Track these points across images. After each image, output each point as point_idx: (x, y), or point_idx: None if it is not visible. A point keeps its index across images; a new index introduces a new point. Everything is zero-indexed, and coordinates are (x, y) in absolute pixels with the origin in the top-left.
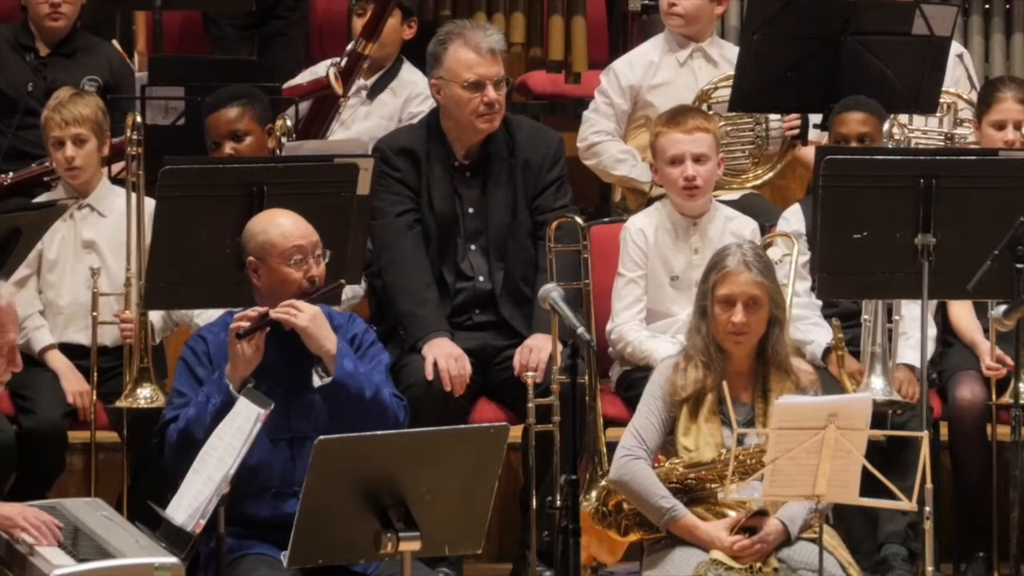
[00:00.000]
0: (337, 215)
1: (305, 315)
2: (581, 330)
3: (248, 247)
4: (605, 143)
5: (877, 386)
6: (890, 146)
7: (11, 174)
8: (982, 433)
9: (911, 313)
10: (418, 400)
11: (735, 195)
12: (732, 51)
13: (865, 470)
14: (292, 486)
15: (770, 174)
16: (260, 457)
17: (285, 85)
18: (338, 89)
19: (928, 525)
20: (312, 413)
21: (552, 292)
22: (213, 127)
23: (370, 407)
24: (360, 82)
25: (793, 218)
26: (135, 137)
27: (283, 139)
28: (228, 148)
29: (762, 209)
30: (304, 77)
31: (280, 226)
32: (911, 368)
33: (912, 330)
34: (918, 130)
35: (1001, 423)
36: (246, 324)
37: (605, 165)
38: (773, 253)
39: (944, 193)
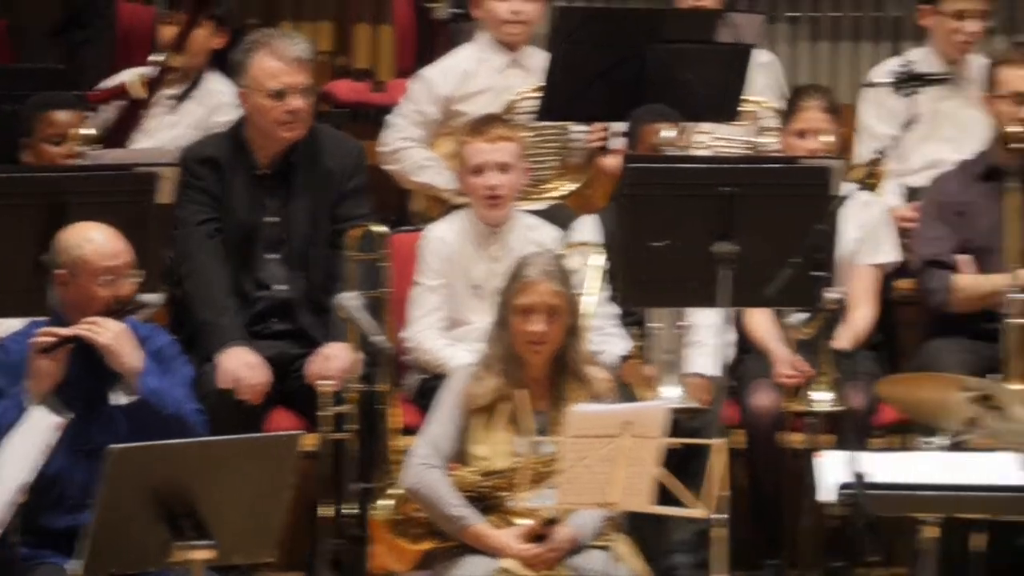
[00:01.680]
0: (137, 225)
1: (108, 333)
2: (377, 338)
3: (59, 259)
4: (409, 149)
5: (668, 394)
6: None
7: None
8: (777, 440)
9: (705, 320)
10: (213, 409)
11: (541, 205)
12: (547, 60)
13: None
14: (90, 498)
15: (576, 184)
16: (58, 468)
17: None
18: (139, 94)
19: (721, 532)
20: (113, 426)
21: (348, 300)
22: (46, 125)
23: (171, 423)
24: (167, 91)
25: (585, 228)
26: None
27: (84, 147)
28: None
29: (567, 219)
30: (109, 84)
31: (93, 242)
32: (704, 376)
33: (706, 338)
34: (723, 138)
35: (794, 431)
36: (49, 339)
37: (407, 171)
38: (572, 262)
39: (744, 201)
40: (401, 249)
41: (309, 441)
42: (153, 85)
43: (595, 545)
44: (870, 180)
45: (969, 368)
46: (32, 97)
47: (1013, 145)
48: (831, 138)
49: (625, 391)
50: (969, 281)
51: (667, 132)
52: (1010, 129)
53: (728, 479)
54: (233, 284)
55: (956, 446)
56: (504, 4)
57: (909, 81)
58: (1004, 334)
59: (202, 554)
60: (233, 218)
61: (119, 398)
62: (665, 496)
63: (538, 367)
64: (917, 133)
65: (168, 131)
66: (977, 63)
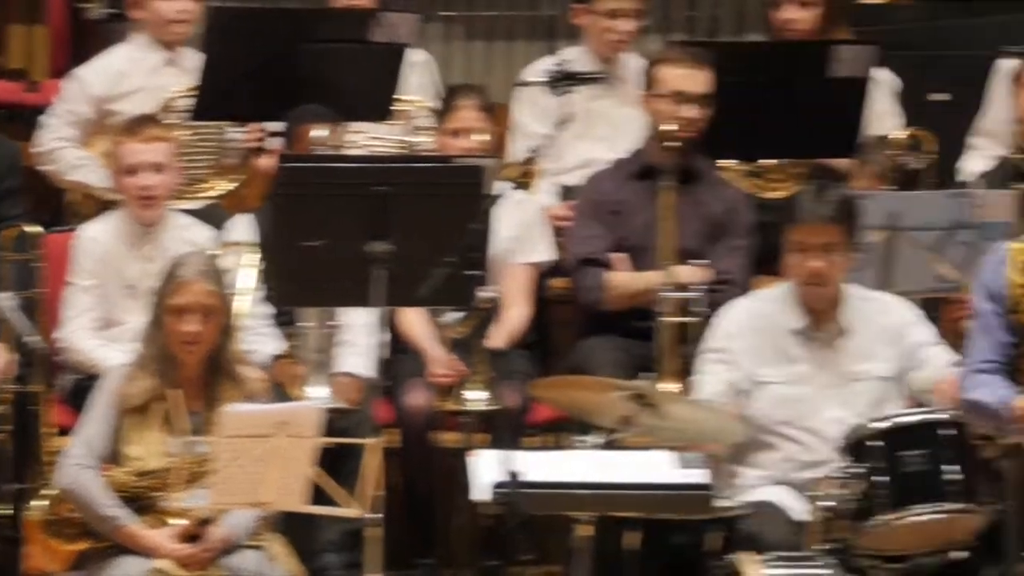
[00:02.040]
0: None
1: None
2: (31, 339)
3: None
4: (63, 149)
5: (315, 394)
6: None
7: None
8: (431, 440)
9: (356, 320)
10: None
11: (196, 205)
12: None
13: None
14: None
15: (232, 184)
16: None
17: None
18: None
19: (375, 532)
20: None
21: (2, 301)
22: None
23: None
24: None
25: (239, 227)
26: None
27: None
28: None
29: (222, 219)
30: None
31: None
32: (352, 375)
33: (357, 337)
34: (377, 138)
35: (448, 430)
36: None
37: (62, 171)
38: (226, 262)
39: (399, 200)
40: (55, 249)
41: None
42: None
43: (249, 545)
44: (524, 179)
45: (622, 366)
46: None
47: (668, 144)
48: (485, 137)
49: (279, 391)
50: (622, 278)
51: (318, 132)
52: (665, 128)
53: (382, 478)
54: None
55: (610, 445)
56: (171, 4)
57: (563, 80)
58: (657, 332)
59: None
60: None
61: None
62: (319, 496)
63: (192, 367)
64: (571, 132)
65: None
66: (631, 62)
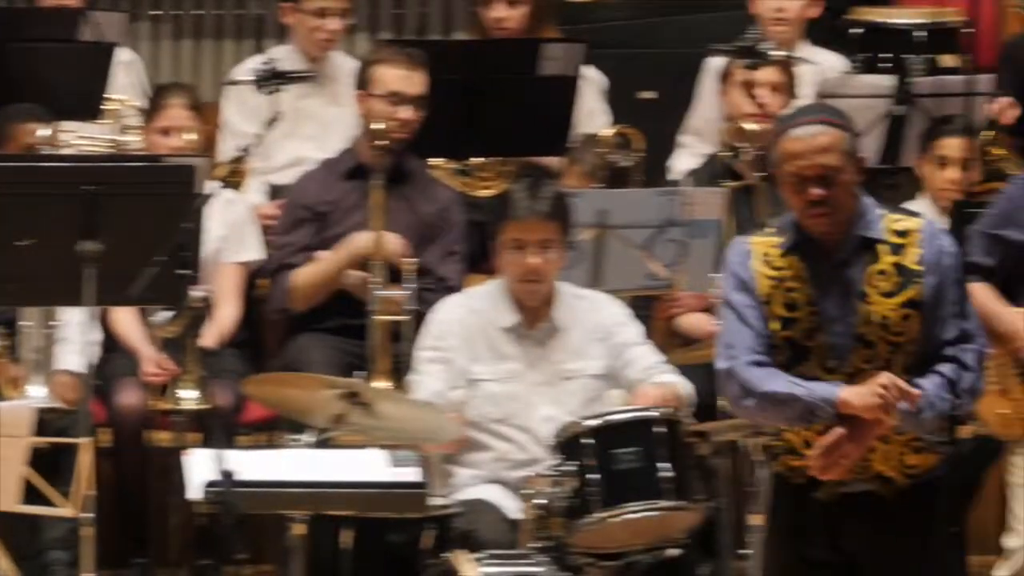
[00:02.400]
0: None
1: None
2: None
3: None
4: None
5: (36, 393)
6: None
7: None
8: (144, 439)
9: (74, 317)
10: None
11: None
12: None
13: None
14: None
15: None
16: None
17: None
18: None
19: (88, 531)
20: None
21: None
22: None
23: None
24: None
25: None
26: None
27: None
28: None
29: None
30: None
31: None
32: (72, 373)
33: (74, 335)
34: (86, 137)
35: (161, 429)
36: None
37: None
38: None
39: (109, 200)
40: None
41: None
42: None
43: None
44: (234, 178)
45: (335, 364)
46: None
47: (380, 143)
48: (194, 136)
49: None
50: (302, 274)
51: (43, 131)
52: (378, 127)
53: (95, 478)
54: None
55: (323, 443)
56: None
57: (271, 79)
58: (370, 331)
59: None
60: None
61: None
62: (34, 495)
63: None
64: (280, 131)
65: None
66: (339, 61)
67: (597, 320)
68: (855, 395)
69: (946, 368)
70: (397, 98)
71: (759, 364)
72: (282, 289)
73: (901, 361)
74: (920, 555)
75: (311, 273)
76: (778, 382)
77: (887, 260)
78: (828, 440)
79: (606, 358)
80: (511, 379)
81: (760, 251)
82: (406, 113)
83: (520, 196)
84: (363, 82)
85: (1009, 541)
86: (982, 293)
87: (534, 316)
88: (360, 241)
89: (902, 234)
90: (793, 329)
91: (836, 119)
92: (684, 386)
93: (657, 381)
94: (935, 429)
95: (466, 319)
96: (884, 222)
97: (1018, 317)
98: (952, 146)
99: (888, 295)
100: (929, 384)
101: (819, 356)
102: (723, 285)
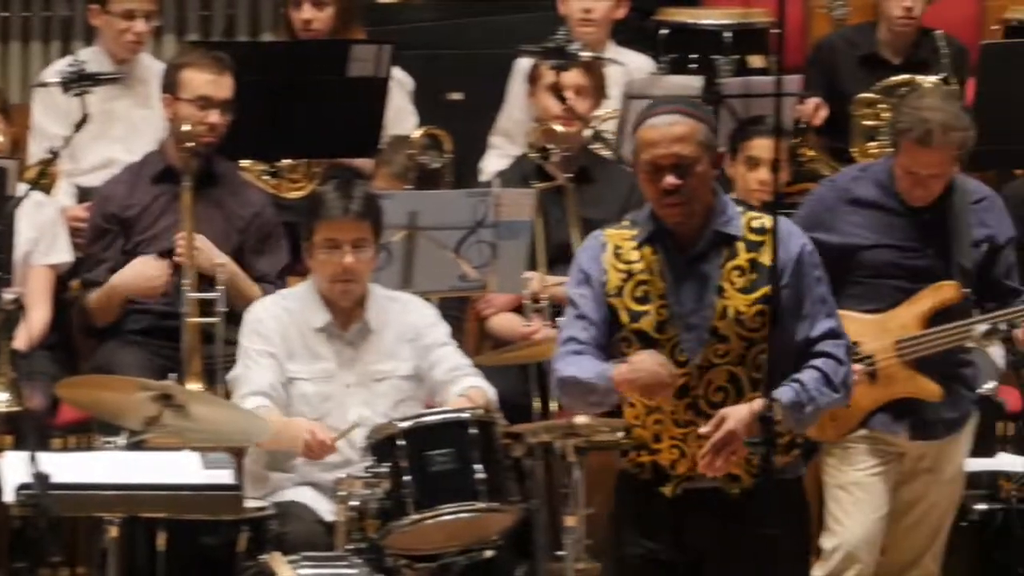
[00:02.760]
0: None
1: None
2: None
3: None
4: None
5: None
6: None
7: None
8: None
9: None
10: None
11: None
12: None
13: None
14: None
15: None
16: None
17: None
18: None
19: None
20: None
21: None
22: None
23: None
24: None
25: None
26: None
27: None
28: None
29: None
30: None
31: None
32: None
33: None
34: None
35: None
36: None
37: None
38: None
39: None
40: None
41: None
42: None
43: None
44: (43, 180)
45: (147, 367)
46: None
47: (188, 147)
48: (1, 138)
49: None
50: (93, 299)
51: None
52: (186, 131)
53: None
54: None
55: (136, 445)
56: None
57: (79, 81)
58: (183, 333)
59: None
60: None
61: None
62: None
63: None
64: (89, 133)
65: None
66: (147, 63)
67: (407, 321)
68: (627, 370)
69: (820, 363)
70: (205, 102)
71: (577, 352)
72: (80, 309)
73: (753, 357)
74: (764, 553)
75: (97, 299)
76: (575, 367)
77: (744, 256)
78: (718, 436)
79: (415, 359)
80: (325, 379)
81: (613, 244)
82: (214, 117)
83: (332, 196)
84: (170, 86)
85: (826, 541)
86: None
87: (347, 317)
88: (127, 279)
89: (759, 231)
90: (643, 322)
91: (694, 111)
92: (489, 390)
93: (465, 385)
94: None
95: (282, 317)
96: (743, 219)
97: None
98: (761, 147)
99: (744, 291)
100: (808, 379)
101: (670, 349)
102: (570, 277)
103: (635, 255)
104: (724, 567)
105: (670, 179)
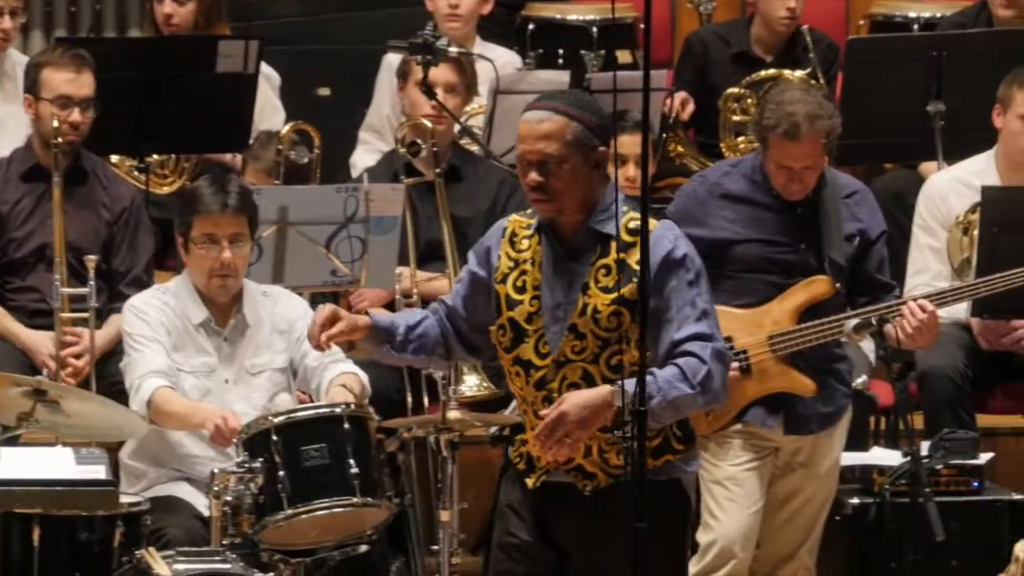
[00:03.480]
0: None
1: None
2: None
3: None
4: None
5: None
6: None
7: None
8: None
9: None
10: None
11: None
12: None
13: None
14: None
15: None
16: None
17: None
18: None
19: None
20: None
21: None
22: None
23: None
24: None
25: None
26: None
27: None
28: None
29: None
30: None
31: None
32: None
33: None
34: None
35: None
36: None
37: None
38: None
39: None
40: None
41: None
42: None
43: None
44: None
45: (21, 362)
46: None
47: (54, 145)
48: None
49: None
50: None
51: None
52: (48, 130)
53: None
54: None
55: (11, 440)
56: None
57: None
58: (55, 328)
59: None
60: None
61: None
62: None
63: None
64: None
65: None
66: (15, 58)
67: (279, 313)
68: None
69: (681, 360)
70: (65, 101)
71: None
72: None
73: (608, 357)
74: (626, 553)
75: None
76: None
77: (614, 257)
78: (550, 417)
79: (288, 351)
80: (207, 374)
81: (511, 230)
82: (75, 116)
83: (208, 191)
84: (31, 86)
85: (701, 536)
86: None
87: (224, 313)
88: (28, 340)
89: (634, 232)
90: (517, 311)
91: (571, 108)
92: (361, 374)
93: (336, 372)
94: (672, 419)
95: (164, 309)
96: (624, 220)
97: None
98: (627, 143)
99: (605, 290)
100: (662, 372)
101: (535, 340)
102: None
103: (525, 244)
104: (586, 564)
105: (532, 175)
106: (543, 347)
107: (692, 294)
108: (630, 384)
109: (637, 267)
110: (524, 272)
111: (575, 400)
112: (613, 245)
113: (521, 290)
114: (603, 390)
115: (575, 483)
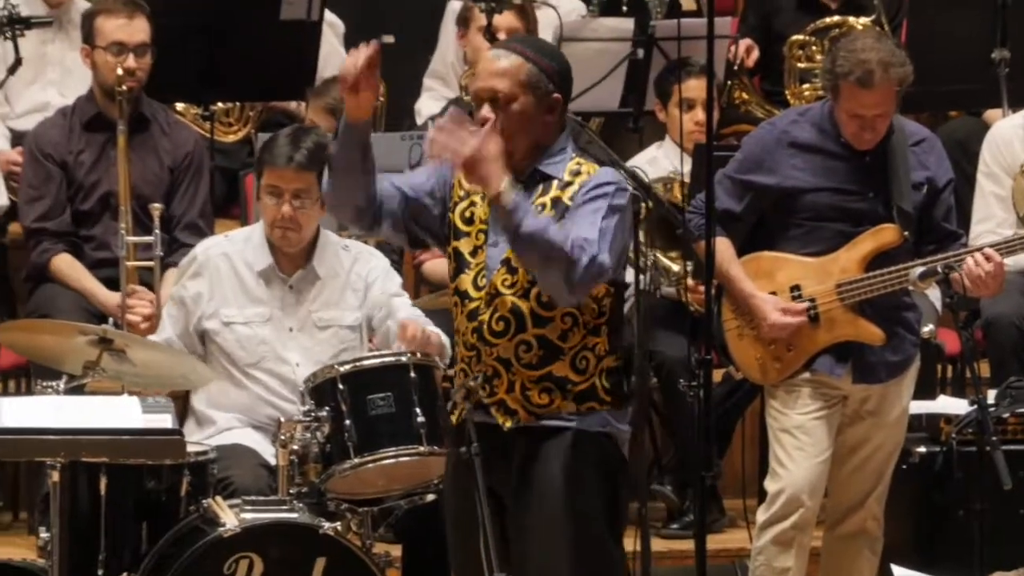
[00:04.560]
0: None
1: None
2: None
3: None
4: None
5: None
6: None
7: None
8: None
9: None
10: None
11: None
12: None
13: None
14: None
15: None
16: None
17: None
18: None
19: None
20: None
21: None
22: None
23: None
24: None
25: None
26: None
27: None
28: None
29: None
30: None
31: None
32: None
33: None
34: None
35: None
36: None
37: None
38: None
39: None
40: None
41: None
42: None
43: None
44: None
45: (83, 311)
46: None
47: (115, 93)
48: None
49: None
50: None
51: None
52: (108, 78)
53: None
54: None
55: (76, 390)
56: None
57: (10, 24)
58: (121, 277)
59: None
60: None
61: None
62: None
63: None
64: (23, 77)
65: None
66: (80, 6)
67: (357, 271)
68: None
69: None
70: (119, 47)
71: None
72: (39, 264)
73: (537, 293)
74: (547, 500)
75: (67, 277)
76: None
77: (552, 195)
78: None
79: (363, 309)
80: (261, 323)
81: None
82: (130, 62)
83: (281, 143)
84: (87, 36)
85: (770, 485)
86: (721, 251)
87: (291, 262)
88: (105, 300)
89: (575, 174)
90: (462, 242)
91: (529, 51)
92: (443, 336)
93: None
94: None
95: (218, 261)
96: (570, 164)
97: (764, 301)
98: (695, 87)
99: None
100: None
101: (475, 273)
102: None
103: None
104: (514, 504)
105: (483, 111)
106: (480, 280)
107: (602, 216)
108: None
109: (568, 203)
110: (473, 204)
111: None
112: (554, 184)
113: (469, 222)
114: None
115: (496, 420)
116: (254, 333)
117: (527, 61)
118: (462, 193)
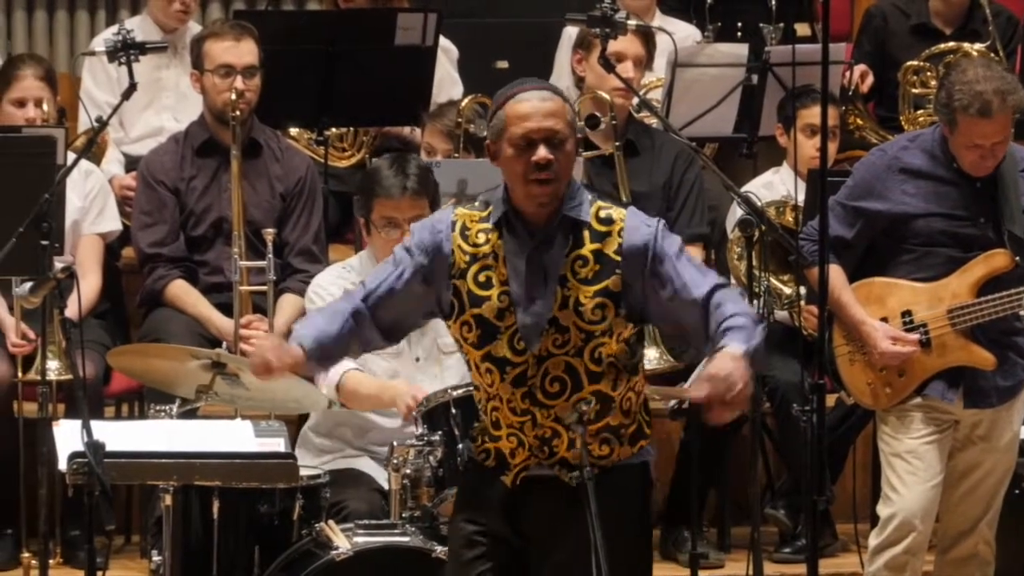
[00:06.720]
0: None
1: None
2: None
3: None
4: None
5: None
6: None
7: None
8: (12, 410)
9: None
10: None
11: None
12: None
13: None
14: None
15: None
16: None
17: None
18: None
19: None
20: None
21: None
22: None
23: None
24: None
25: None
26: None
27: None
28: None
29: None
30: None
31: None
32: None
33: None
34: None
35: (28, 400)
36: None
37: None
38: None
39: None
40: None
41: None
42: None
43: None
44: (92, 149)
45: (195, 335)
46: None
47: (227, 117)
48: (48, 107)
49: None
50: (176, 302)
51: None
52: (218, 102)
53: None
54: None
55: (189, 413)
56: None
57: (125, 50)
58: (234, 302)
59: None
60: None
61: None
62: None
63: None
64: (137, 102)
65: None
66: (193, 32)
67: None
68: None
69: (728, 307)
70: (227, 70)
71: (339, 305)
72: (155, 291)
73: (592, 349)
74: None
75: (184, 304)
76: (309, 319)
77: (589, 247)
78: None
79: None
80: (394, 355)
81: (461, 224)
82: (238, 83)
83: (388, 174)
84: (196, 61)
85: (882, 509)
86: (833, 278)
87: None
88: (221, 326)
89: (606, 222)
90: (484, 308)
91: (560, 92)
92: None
93: None
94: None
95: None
96: (592, 207)
97: (874, 328)
98: (818, 114)
99: (585, 282)
100: (736, 321)
101: (509, 337)
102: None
103: (482, 238)
104: (553, 549)
105: (542, 152)
106: (518, 343)
107: (688, 259)
108: (733, 345)
109: (615, 257)
110: (487, 267)
111: (725, 367)
112: (586, 234)
113: (485, 285)
114: (725, 357)
115: (559, 475)
116: (388, 366)
117: (565, 102)
118: (467, 258)
